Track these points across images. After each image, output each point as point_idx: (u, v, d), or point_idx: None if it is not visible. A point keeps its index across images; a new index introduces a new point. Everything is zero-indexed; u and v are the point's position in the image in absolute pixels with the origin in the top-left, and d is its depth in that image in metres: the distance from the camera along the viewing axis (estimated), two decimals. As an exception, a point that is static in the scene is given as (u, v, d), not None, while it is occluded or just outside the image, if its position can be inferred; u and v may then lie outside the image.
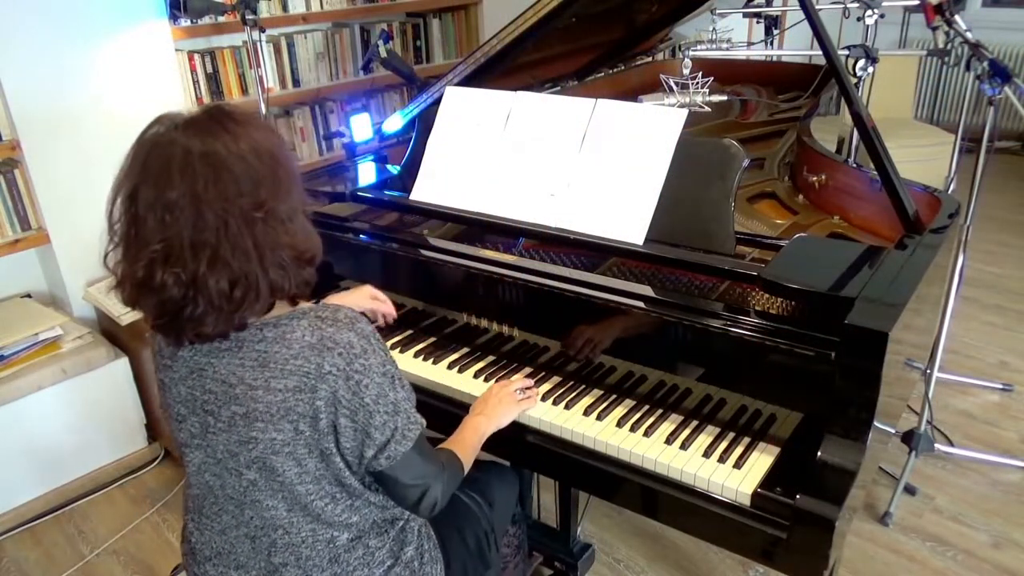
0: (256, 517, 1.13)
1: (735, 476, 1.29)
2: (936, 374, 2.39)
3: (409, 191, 1.80)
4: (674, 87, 2.40)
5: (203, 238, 0.98)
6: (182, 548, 1.29)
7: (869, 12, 2.59)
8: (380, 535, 1.20)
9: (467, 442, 1.35)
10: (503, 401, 1.45)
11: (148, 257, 0.99)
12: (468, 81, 1.99)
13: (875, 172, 1.55)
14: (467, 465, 1.32)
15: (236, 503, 1.14)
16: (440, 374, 1.61)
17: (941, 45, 2.46)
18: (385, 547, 1.20)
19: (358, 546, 1.17)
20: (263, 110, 2.85)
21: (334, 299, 1.63)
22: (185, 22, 2.81)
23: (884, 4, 2.66)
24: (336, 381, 1.04)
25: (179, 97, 2.81)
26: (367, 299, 1.66)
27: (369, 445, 1.09)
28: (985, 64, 1.97)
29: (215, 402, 1.09)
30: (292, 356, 1.04)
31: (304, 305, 1.13)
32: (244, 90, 3.13)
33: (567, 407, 1.48)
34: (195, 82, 2.97)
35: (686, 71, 2.52)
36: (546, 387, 1.55)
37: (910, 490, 2.30)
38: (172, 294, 1.00)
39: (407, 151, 1.90)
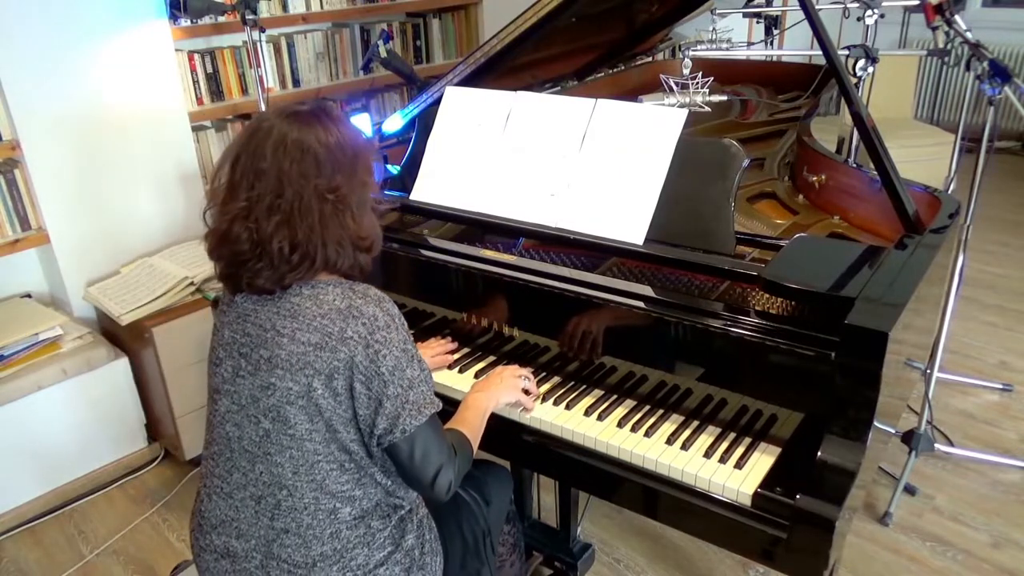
0: (265, 473, 1.18)
1: (736, 476, 1.29)
2: (936, 374, 2.39)
3: (409, 191, 1.80)
4: (674, 87, 2.40)
5: (278, 204, 1.14)
6: (191, 523, 1.32)
7: (869, 12, 2.60)
8: (383, 518, 1.23)
9: (471, 422, 1.37)
10: (505, 380, 1.47)
11: (234, 212, 1.16)
12: (468, 81, 1.99)
13: (875, 172, 1.55)
14: (475, 444, 1.34)
15: (249, 457, 1.20)
16: (440, 374, 1.61)
17: (941, 45, 2.46)
18: (387, 531, 1.23)
19: (360, 525, 1.20)
20: (263, 110, 2.85)
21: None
22: (185, 22, 2.81)
23: (884, 4, 2.66)
24: (356, 347, 1.13)
25: (179, 97, 2.81)
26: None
27: (381, 415, 1.15)
28: (985, 64, 1.97)
29: (250, 344, 1.19)
30: (320, 315, 1.15)
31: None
32: (244, 90, 3.13)
33: (568, 407, 1.48)
34: (195, 82, 2.97)
35: (686, 71, 2.52)
36: (547, 387, 1.55)
37: (910, 490, 2.30)
38: (243, 247, 1.15)
39: (407, 151, 1.90)
